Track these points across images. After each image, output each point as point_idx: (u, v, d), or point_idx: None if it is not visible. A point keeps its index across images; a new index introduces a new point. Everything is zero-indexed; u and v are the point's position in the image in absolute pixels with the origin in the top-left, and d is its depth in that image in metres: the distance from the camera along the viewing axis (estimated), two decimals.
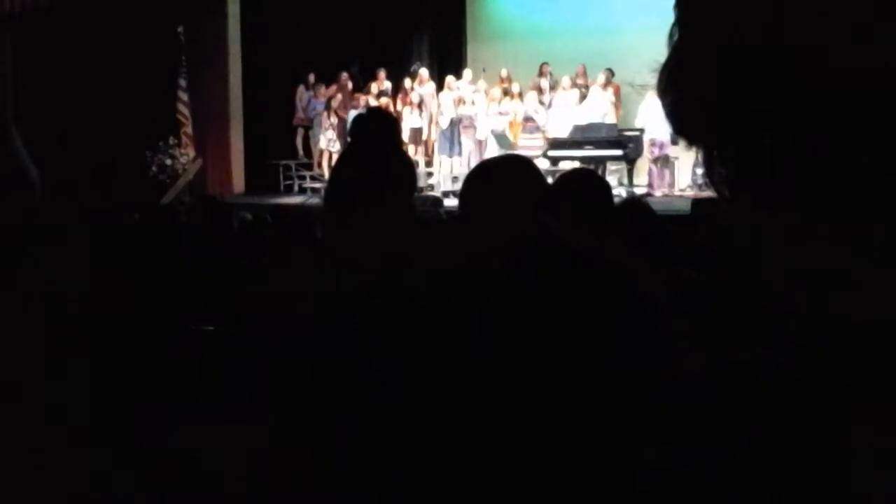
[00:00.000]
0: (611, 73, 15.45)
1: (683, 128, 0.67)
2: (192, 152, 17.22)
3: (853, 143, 0.56)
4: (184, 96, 17.26)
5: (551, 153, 15.12)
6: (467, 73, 17.29)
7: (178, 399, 2.85)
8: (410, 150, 15.90)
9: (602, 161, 14.66)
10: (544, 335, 0.72)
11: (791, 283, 0.62)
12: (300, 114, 17.97)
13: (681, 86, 0.66)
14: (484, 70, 17.41)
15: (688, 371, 0.71)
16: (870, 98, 0.55)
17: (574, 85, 16.21)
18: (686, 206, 9.52)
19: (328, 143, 17.09)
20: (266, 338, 2.58)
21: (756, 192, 0.62)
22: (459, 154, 16.28)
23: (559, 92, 16.32)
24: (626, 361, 0.72)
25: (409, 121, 16.29)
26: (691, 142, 0.66)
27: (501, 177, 2.71)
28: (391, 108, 16.13)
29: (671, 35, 0.67)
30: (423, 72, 17.44)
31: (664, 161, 15.25)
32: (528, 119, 16.05)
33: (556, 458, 0.71)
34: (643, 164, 15.51)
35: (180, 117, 17.23)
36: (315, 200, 15.26)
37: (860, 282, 0.58)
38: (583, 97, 15.90)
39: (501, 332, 0.72)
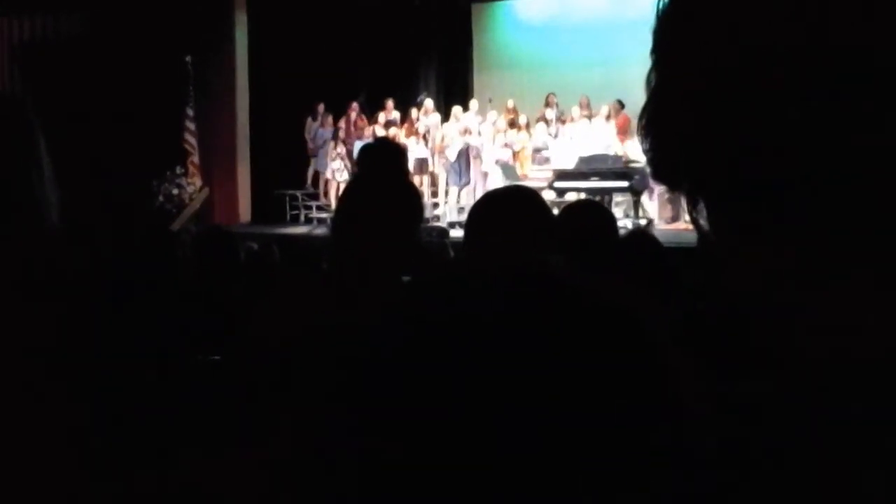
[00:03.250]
0: (620, 104, 15.43)
1: (662, 173, 0.68)
2: (198, 182, 17.25)
3: (830, 188, 0.57)
4: (191, 126, 17.31)
5: (557, 185, 15.13)
6: (474, 103, 17.34)
7: (183, 428, 2.85)
8: (416, 180, 15.92)
9: (608, 193, 14.66)
10: (547, 374, 0.72)
11: (776, 322, 0.62)
12: (310, 144, 18.02)
13: (658, 132, 0.67)
14: (490, 101, 17.45)
15: (694, 409, 0.71)
16: (845, 142, 0.56)
17: (582, 116, 16.24)
18: (693, 239, 9.50)
19: (335, 172, 17.12)
20: (272, 368, 2.57)
21: (737, 234, 0.63)
22: (467, 184, 16.30)
23: (568, 123, 16.37)
24: (630, 403, 0.72)
25: (415, 151, 16.31)
26: (671, 187, 0.67)
27: (507, 208, 2.71)
28: (397, 139, 16.17)
29: (648, 80, 0.68)
30: (429, 102, 17.49)
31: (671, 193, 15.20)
32: (536, 150, 16.08)
33: (556, 498, 0.71)
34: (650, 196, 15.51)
35: (187, 147, 17.26)
36: (321, 230, 15.27)
37: (843, 321, 0.59)
38: (589, 128, 15.93)
39: (504, 371, 0.72)
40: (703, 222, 0.66)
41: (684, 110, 0.63)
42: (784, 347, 0.62)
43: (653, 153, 0.68)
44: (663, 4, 0.67)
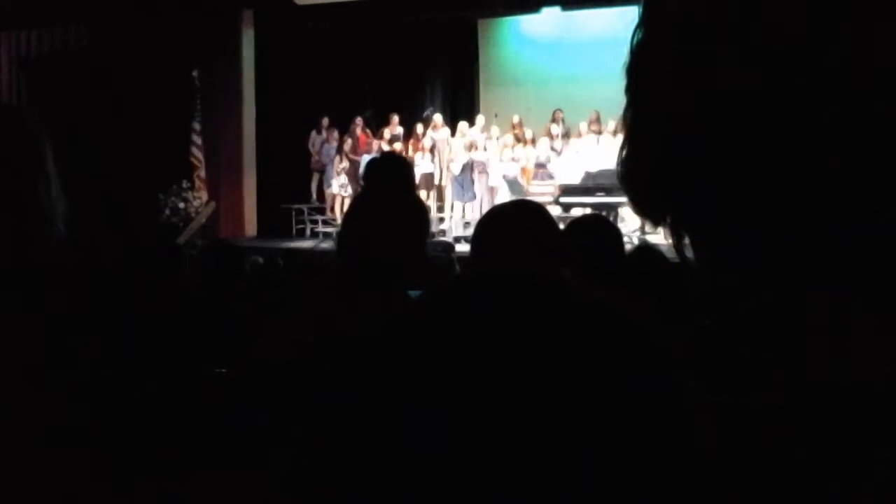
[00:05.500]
0: None
1: (643, 210, 0.69)
2: (205, 195, 17.28)
3: (802, 221, 0.58)
4: (198, 140, 17.36)
5: (563, 199, 15.14)
6: (480, 118, 17.36)
7: (189, 441, 2.85)
8: (422, 195, 15.93)
9: (614, 208, 14.67)
10: (554, 385, 0.72)
11: (760, 342, 0.63)
12: (314, 157, 18.06)
13: (635, 170, 0.68)
14: (496, 116, 17.47)
15: (702, 424, 0.71)
16: (816, 178, 0.57)
17: (590, 131, 16.27)
18: None
19: (340, 187, 17.14)
20: (277, 381, 2.57)
21: (717, 258, 0.64)
22: (472, 199, 16.32)
23: (574, 138, 16.39)
24: (638, 417, 0.73)
25: (421, 166, 16.33)
26: (654, 223, 0.68)
27: (513, 223, 2.71)
28: (403, 153, 16.19)
29: (624, 117, 0.69)
30: (438, 117, 17.51)
31: None
32: (540, 165, 16.10)
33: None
34: None
35: (194, 161, 17.31)
36: (327, 245, 15.29)
37: (831, 343, 0.59)
38: (598, 143, 15.95)
39: (510, 383, 0.72)
40: (688, 253, 0.67)
41: (659, 149, 0.64)
42: (775, 367, 0.63)
43: (632, 192, 0.69)
44: (636, 42, 0.68)
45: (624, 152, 0.69)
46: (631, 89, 0.68)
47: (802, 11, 0.58)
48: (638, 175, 0.68)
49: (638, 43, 0.68)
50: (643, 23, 0.68)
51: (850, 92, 0.56)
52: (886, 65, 0.56)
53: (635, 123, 0.68)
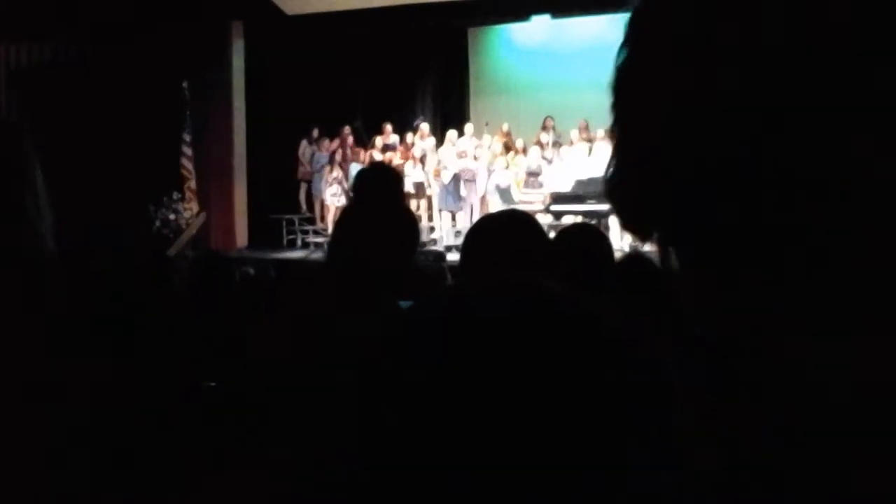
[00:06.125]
0: None
1: (630, 225, 0.70)
2: (195, 207, 17.26)
3: (783, 237, 0.59)
4: (188, 151, 17.33)
5: (553, 208, 15.16)
6: (469, 127, 17.36)
7: (180, 453, 2.84)
8: (413, 204, 15.93)
9: (605, 216, 14.69)
10: (542, 395, 0.72)
11: (747, 354, 0.64)
12: (305, 167, 18.05)
13: (622, 186, 0.68)
14: (487, 124, 17.49)
15: (689, 433, 0.72)
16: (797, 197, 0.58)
17: (581, 139, 16.30)
18: None
19: (331, 197, 17.14)
20: (268, 392, 2.57)
21: (702, 271, 0.65)
22: (463, 208, 16.32)
23: (565, 147, 16.41)
24: (625, 426, 0.73)
25: (412, 175, 16.34)
26: (641, 238, 0.69)
27: (502, 232, 2.72)
28: (394, 162, 16.20)
29: (611, 132, 0.69)
30: (424, 126, 17.53)
31: None
32: (531, 174, 16.11)
33: None
34: None
35: (184, 172, 17.28)
36: (318, 255, 15.28)
37: (815, 358, 0.60)
38: (590, 151, 15.99)
39: (499, 393, 0.73)
40: (674, 266, 0.68)
41: (645, 165, 0.65)
42: (762, 378, 0.63)
43: (619, 207, 0.69)
44: (621, 60, 0.68)
45: (611, 168, 0.70)
46: (617, 106, 0.69)
47: (783, 30, 0.58)
48: (625, 190, 0.69)
49: (622, 61, 0.68)
50: (627, 42, 0.68)
51: (833, 109, 0.57)
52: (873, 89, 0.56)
53: (622, 139, 0.69)
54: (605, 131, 15.57)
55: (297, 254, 16.48)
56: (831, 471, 0.58)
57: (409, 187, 15.75)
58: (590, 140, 16.16)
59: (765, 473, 0.61)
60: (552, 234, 3.99)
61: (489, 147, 16.68)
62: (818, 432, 0.59)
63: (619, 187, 0.69)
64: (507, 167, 16.22)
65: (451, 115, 19.18)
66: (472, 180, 16.33)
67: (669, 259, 0.68)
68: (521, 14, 17.53)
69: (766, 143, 0.58)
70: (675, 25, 0.64)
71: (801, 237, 0.59)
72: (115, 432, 1.88)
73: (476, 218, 11.63)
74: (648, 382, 0.75)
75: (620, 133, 0.69)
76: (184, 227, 16.85)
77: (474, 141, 16.84)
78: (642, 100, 0.66)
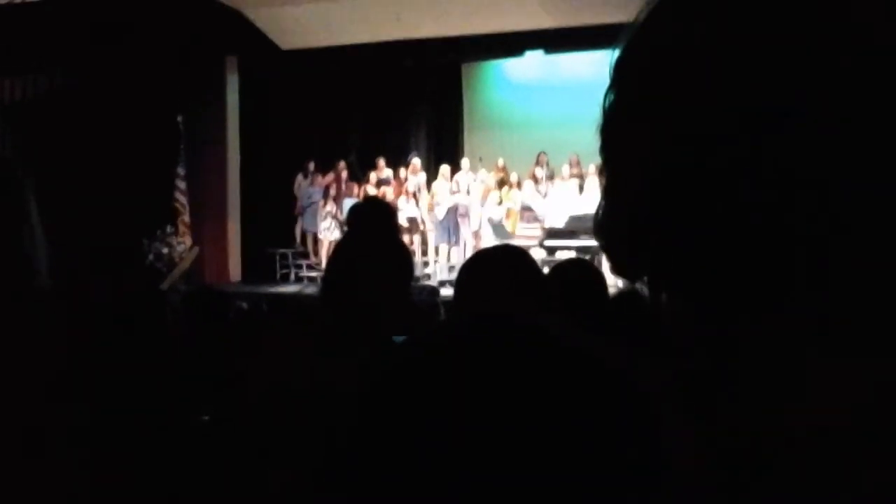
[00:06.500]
0: None
1: (620, 269, 0.70)
2: (188, 240, 17.25)
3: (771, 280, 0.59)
4: (182, 185, 17.36)
5: (548, 243, 15.17)
6: (465, 162, 17.42)
7: (174, 488, 2.82)
8: (406, 239, 15.94)
9: (598, 251, 14.66)
10: (533, 432, 0.73)
11: (740, 388, 0.64)
12: (299, 202, 18.08)
13: (611, 230, 0.69)
14: (481, 159, 17.54)
15: (682, 466, 0.72)
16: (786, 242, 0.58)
17: (571, 175, 16.36)
18: None
19: (325, 231, 17.15)
20: (262, 428, 2.56)
21: (693, 311, 0.65)
22: (457, 243, 16.34)
23: (557, 182, 16.46)
24: (616, 461, 0.73)
25: (406, 210, 16.36)
26: (631, 280, 0.70)
27: (496, 267, 2.72)
28: (387, 197, 16.23)
29: (601, 174, 0.70)
30: (416, 161, 17.59)
31: None
32: (526, 209, 16.14)
33: None
34: None
35: (178, 206, 17.30)
36: (312, 289, 15.25)
37: (805, 395, 0.60)
38: (580, 187, 16.04)
39: (488, 429, 0.73)
40: (665, 304, 0.68)
41: (634, 207, 0.65)
42: (755, 412, 0.63)
43: (609, 251, 0.70)
44: (608, 104, 0.69)
45: (600, 210, 0.70)
46: (605, 149, 0.70)
47: (768, 76, 0.59)
48: (614, 232, 0.69)
49: (610, 105, 0.69)
50: (614, 85, 0.69)
51: (816, 149, 0.57)
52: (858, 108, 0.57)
53: (611, 182, 0.69)
54: (596, 167, 15.64)
55: (291, 288, 16.47)
56: (822, 498, 0.59)
57: (402, 222, 15.76)
58: (581, 175, 16.22)
59: None
60: (546, 270, 3.99)
61: (482, 181, 16.72)
62: (815, 467, 0.60)
63: (608, 229, 0.70)
64: (499, 202, 16.26)
65: (445, 149, 19.23)
66: (465, 215, 16.36)
67: (660, 298, 0.68)
68: (515, 50, 17.61)
69: (758, 189, 0.59)
70: (659, 70, 0.64)
71: (793, 281, 0.59)
72: (110, 464, 1.88)
73: (470, 253, 11.63)
74: (639, 417, 0.75)
75: (609, 176, 0.70)
76: (177, 260, 16.83)
77: (469, 176, 16.89)
78: (630, 144, 0.67)
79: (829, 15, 0.58)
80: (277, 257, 17.88)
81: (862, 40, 0.57)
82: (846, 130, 0.57)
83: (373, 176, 17.48)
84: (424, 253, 16.89)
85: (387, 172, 17.62)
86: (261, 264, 17.74)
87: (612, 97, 0.69)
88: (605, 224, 0.70)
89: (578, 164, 16.44)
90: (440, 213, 16.44)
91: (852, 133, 0.57)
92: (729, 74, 0.60)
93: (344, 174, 17.84)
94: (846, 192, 0.57)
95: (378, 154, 17.87)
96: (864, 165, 0.57)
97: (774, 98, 0.58)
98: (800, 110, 0.58)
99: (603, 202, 0.70)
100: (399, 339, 2.65)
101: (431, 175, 17.38)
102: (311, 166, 17.92)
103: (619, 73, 0.69)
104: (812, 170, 0.57)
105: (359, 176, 17.85)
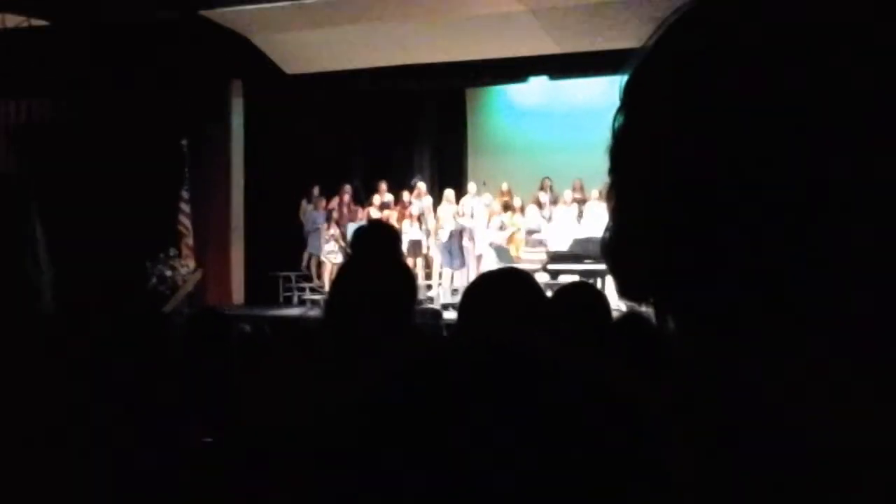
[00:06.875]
0: None
1: (627, 292, 0.70)
2: (192, 263, 17.26)
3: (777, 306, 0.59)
4: (186, 208, 17.38)
5: (551, 266, 15.17)
6: (472, 186, 17.46)
7: None
8: (410, 262, 15.94)
9: (602, 275, 14.68)
10: (528, 456, 0.72)
11: (744, 412, 0.64)
12: (306, 227, 18.09)
13: (619, 253, 0.69)
14: (485, 183, 17.56)
15: (684, 488, 0.72)
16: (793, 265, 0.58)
17: (573, 199, 16.39)
18: None
19: (328, 255, 17.16)
20: (265, 450, 2.56)
21: (699, 335, 0.65)
22: (461, 266, 16.35)
23: (561, 206, 16.49)
24: (616, 488, 0.73)
25: (409, 233, 16.38)
26: (638, 303, 0.70)
27: (500, 291, 2.72)
28: (392, 221, 16.25)
29: (609, 197, 0.70)
30: (422, 185, 17.62)
31: None
32: (530, 233, 16.17)
33: None
34: None
35: (182, 228, 17.32)
36: (315, 312, 15.25)
37: (810, 416, 0.60)
38: (581, 212, 16.07)
39: (481, 453, 0.73)
40: (671, 327, 0.68)
41: (642, 230, 0.65)
42: (760, 436, 0.63)
43: (616, 272, 0.70)
44: (617, 126, 0.69)
45: (608, 232, 0.70)
46: (614, 171, 0.70)
47: (781, 98, 0.59)
48: (621, 255, 0.69)
49: (619, 127, 0.69)
50: (623, 107, 0.69)
51: (827, 163, 0.57)
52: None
53: (619, 203, 0.69)
54: (599, 191, 15.67)
55: (294, 311, 16.46)
56: None
57: (405, 245, 15.77)
58: (583, 200, 16.25)
59: None
60: (549, 293, 4.00)
61: (487, 206, 16.74)
62: (816, 493, 0.60)
63: (615, 251, 0.70)
64: (501, 227, 16.28)
65: (448, 173, 19.26)
66: (470, 239, 16.38)
67: (666, 321, 0.68)
68: (520, 75, 17.66)
69: (770, 211, 0.59)
70: (669, 93, 0.65)
71: (804, 306, 0.59)
72: (112, 487, 1.87)
73: (473, 276, 11.65)
74: (640, 440, 0.75)
75: (618, 197, 0.70)
76: (180, 283, 16.84)
77: (475, 200, 16.92)
78: (639, 165, 0.67)
79: (841, 27, 0.59)
80: (281, 280, 17.87)
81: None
82: (863, 148, 0.57)
83: (375, 199, 17.50)
84: (428, 276, 16.89)
85: (388, 196, 17.65)
86: (264, 287, 17.73)
87: (621, 119, 0.69)
88: (613, 245, 0.70)
89: (582, 188, 16.48)
90: (444, 236, 16.46)
91: (869, 156, 0.57)
92: (741, 97, 0.60)
93: (347, 198, 17.86)
94: (861, 213, 0.57)
95: (382, 177, 17.90)
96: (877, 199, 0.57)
97: (787, 119, 0.58)
98: (810, 133, 0.58)
99: (611, 223, 0.70)
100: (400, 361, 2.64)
101: (436, 199, 17.39)
102: (316, 191, 17.94)
103: (629, 96, 0.69)
104: (824, 190, 0.57)
105: (362, 199, 17.88)
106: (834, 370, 0.60)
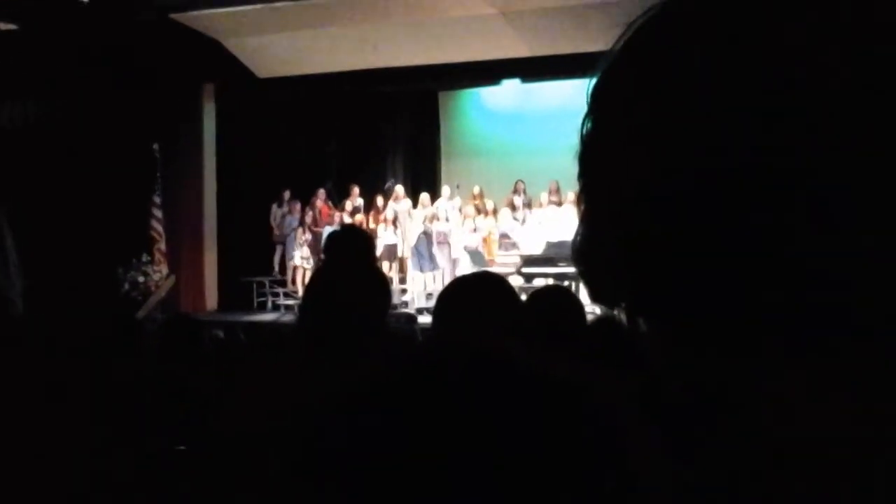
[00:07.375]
0: None
1: (598, 297, 0.70)
2: (165, 269, 17.19)
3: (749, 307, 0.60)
4: (158, 213, 17.31)
5: (525, 270, 15.19)
6: (446, 189, 17.48)
7: None
8: (384, 266, 15.95)
9: (576, 278, 14.72)
10: (498, 459, 0.72)
11: (717, 415, 0.64)
12: (276, 230, 18.06)
13: (589, 258, 0.69)
14: (458, 187, 17.60)
15: (652, 488, 0.72)
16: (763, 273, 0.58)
17: (550, 202, 16.43)
18: None
19: (302, 259, 17.13)
20: (237, 457, 2.55)
21: (671, 347, 0.65)
22: (433, 270, 16.35)
23: (536, 209, 16.52)
24: (583, 484, 0.73)
25: (384, 237, 16.38)
26: (609, 307, 0.70)
27: (474, 294, 2.72)
28: (365, 225, 16.25)
29: (579, 202, 0.70)
30: (399, 189, 17.63)
31: None
32: (503, 236, 16.19)
33: None
34: None
35: (154, 234, 17.24)
36: (289, 317, 15.22)
37: (780, 418, 0.60)
38: (559, 214, 16.11)
39: (454, 456, 0.73)
40: (643, 331, 0.68)
41: (612, 235, 0.65)
42: (733, 445, 0.63)
43: (587, 277, 0.70)
44: (585, 131, 0.69)
45: (579, 236, 0.70)
46: (583, 177, 0.69)
47: (753, 103, 0.59)
48: (592, 258, 0.69)
49: (587, 132, 0.69)
50: (591, 112, 0.69)
51: (797, 165, 0.57)
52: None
53: (589, 208, 0.69)
54: (575, 194, 15.68)
55: (268, 316, 16.43)
56: None
57: (380, 250, 15.77)
58: (560, 203, 16.29)
59: None
60: (524, 297, 4.00)
61: (461, 209, 16.77)
62: (782, 491, 0.60)
63: (586, 255, 0.70)
64: (474, 230, 16.30)
65: (421, 177, 19.28)
66: (444, 242, 16.38)
67: (638, 325, 0.68)
68: (492, 78, 17.70)
69: (739, 216, 0.58)
70: (638, 96, 0.64)
71: (775, 308, 0.59)
72: (85, 494, 1.86)
73: (447, 280, 11.66)
74: (609, 443, 0.75)
75: (588, 202, 0.69)
76: (153, 289, 16.77)
77: (449, 203, 16.94)
78: (608, 171, 0.66)
79: (812, 38, 0.59)
80: (254, 286, 17.84)
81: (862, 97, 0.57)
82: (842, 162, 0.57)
83: (348, 204, 17.50)
84: (403, 280, 16.89)
85: (359, 200, 17.65)
86: (237, 293, 17.69)
87: (589, 124, 0.69)
88: (583, 250, 0.69)
89: (558, 191, 16.52)
90: (412, 238, 16.47)
91: (852, 172, 0.57)
92: (710, 100, 0.60)
93: (320, 202, 17.84)
94: (838, 217, 0.57)
95: (355, 181, 17.90)
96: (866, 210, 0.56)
97: (758, 121, 0.58)
98: (784, 139, 0.58)
99: (581, 228, 0.70)
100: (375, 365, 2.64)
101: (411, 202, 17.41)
102: (287, 195, 17.92)
103: (597, 100, 0.69)
104: (801, 195, 0.57)
105: (335, 204, 17.87)
106: (791, 370, 0.60)
